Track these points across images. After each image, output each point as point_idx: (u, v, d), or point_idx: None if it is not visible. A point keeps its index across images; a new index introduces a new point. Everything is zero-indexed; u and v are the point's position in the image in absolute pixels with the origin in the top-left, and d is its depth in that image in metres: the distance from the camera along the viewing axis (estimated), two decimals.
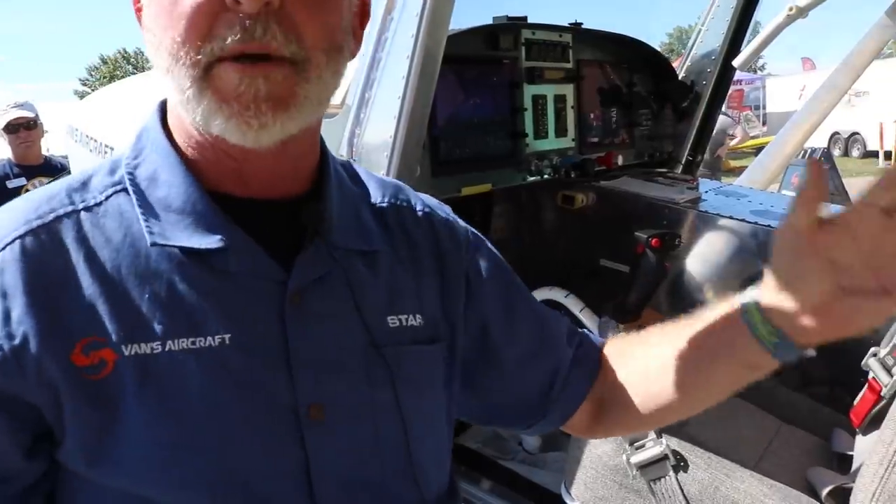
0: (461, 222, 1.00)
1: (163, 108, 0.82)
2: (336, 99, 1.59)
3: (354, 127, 1.78)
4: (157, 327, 0.71)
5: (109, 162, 0.81)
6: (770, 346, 0.76)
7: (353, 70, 1.77)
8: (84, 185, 0.78)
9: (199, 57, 0.67)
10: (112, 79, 39.95)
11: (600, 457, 1.75)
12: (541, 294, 2.22)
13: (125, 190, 0.77)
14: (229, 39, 0.66)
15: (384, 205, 0.92)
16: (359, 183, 0.93)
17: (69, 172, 4.42)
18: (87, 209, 0.75)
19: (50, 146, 5.86)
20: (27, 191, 4.30)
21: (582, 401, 0.98)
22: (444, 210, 0.99)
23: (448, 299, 0.91)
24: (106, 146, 2.88)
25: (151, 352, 0.70)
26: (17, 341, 0.68)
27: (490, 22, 2.33)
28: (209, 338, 0.72)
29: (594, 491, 1.72)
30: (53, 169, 4.52)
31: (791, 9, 2.32)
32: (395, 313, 0.84)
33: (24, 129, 4.27)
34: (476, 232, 1.00)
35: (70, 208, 0.75)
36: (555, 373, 0.97)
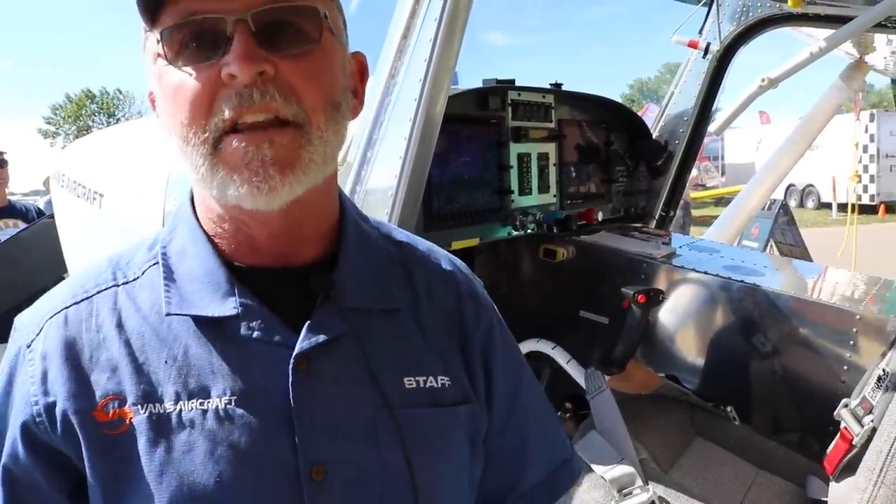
0: (487, 296, 1.00)
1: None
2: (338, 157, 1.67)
3: (355, 184, 1.86)
4: (171, 389, 0.76)
5: (152, 238, 0.89)
6: None
7: (356, 129, 1.86)
8: (128, 262, 0.86)
9: (206, 134, 0.72)
10: (77, 118, 39.50)
11: (588, 503, 1.81)
12: (527, 346, 2.29)
13: (158, 263, 0.84)
14: (228, 111, 0.71)
15: (413, 264, 0.93)
16: (389, 241, 0.95)
17: (39, 215, 4.40)
18: (126, 283, 0.84)
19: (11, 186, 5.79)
20: None
21: None
22: (475, 279, 1.00)
23: (468, 364, 0.90)
24: (95, 192, 2.90)
25: (165, 412, 0.75)
26: (50, 398, 0.77)
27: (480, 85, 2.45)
28: (215, 399, 0.76)
29: None
30: (17, 212, 4.48)
31: (763, 80, 2.51)
32: (412, 374, 0.84)
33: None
34: (498, 315, 1.00)
35: (112, 283, 0.84)
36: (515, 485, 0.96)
